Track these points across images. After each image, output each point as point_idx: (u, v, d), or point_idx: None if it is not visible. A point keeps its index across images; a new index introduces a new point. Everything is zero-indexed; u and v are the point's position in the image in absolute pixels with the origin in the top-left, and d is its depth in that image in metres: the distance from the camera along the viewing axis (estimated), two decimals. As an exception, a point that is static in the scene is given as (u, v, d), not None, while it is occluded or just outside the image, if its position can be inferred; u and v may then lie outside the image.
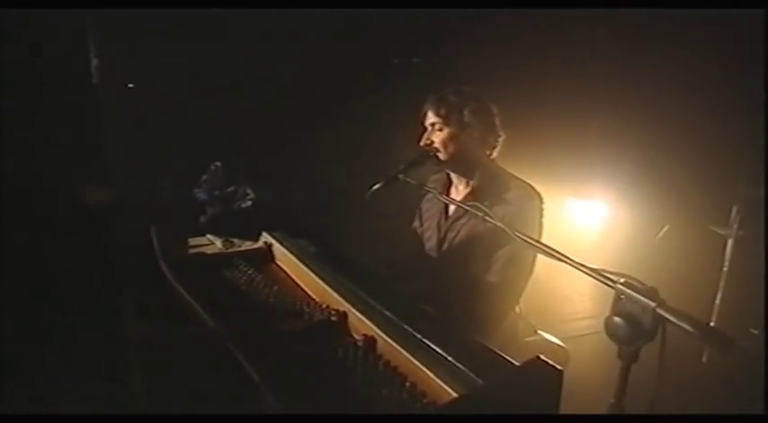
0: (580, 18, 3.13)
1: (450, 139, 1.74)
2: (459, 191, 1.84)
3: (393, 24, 3.25)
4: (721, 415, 1.18)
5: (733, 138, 2.77)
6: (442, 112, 1.74)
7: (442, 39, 3.34)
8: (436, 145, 1.75)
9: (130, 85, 2.98)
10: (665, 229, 3.37)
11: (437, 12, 2.97)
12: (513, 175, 1.77)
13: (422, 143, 1.77)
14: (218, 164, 2.29)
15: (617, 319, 0.84)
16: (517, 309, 1.88)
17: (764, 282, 2.43)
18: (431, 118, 1.77)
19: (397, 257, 2.05)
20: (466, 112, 1.73)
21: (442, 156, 1.75)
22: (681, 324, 0.77)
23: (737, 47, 2.67)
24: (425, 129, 1.79)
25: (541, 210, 1.69)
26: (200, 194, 2.24)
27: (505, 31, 3.21)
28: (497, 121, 1.78)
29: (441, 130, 1.75)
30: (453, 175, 1.85)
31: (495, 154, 1.81)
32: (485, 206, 1.34)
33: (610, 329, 0.85)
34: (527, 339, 1.90)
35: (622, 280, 0.86)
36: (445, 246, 1.81)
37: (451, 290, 1.73)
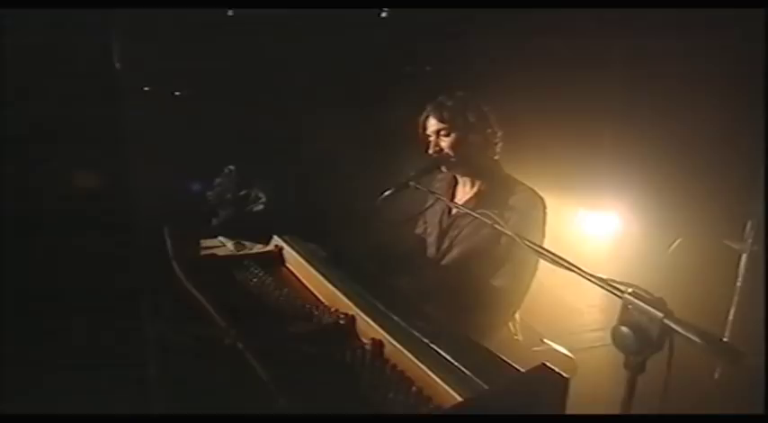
0: (590, 23, 3.12)
1: (459, 142, 1.75)
2: (465, 190, 1.86)
3: (406, 32, 3.28)
4: (721, 415, 1.16)
5: (748, 150, 2.74)
6: (446, 117, 1.75)
7: (453, 47, 3.36)
8: (446, 151, 1.76)
9: (146, 88, 3.04)
10: (678, 242, 3.33)
11: (448, 16, 2.99)
12: (519, 181, 1.78)
13: (430, 152, 1.78)
14: (232, 167, 2.32)
15: (624, 328, 0.84)
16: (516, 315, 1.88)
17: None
18: (434, 126, 1.78)
19: (392, 255, 2.05)
20: (469, 114, 1.75)
21: (452, 160, 1.76)
22: (688, 335, 0.76)
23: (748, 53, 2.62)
24: (428, 138, 1.80)
25: (545, 215, 1.70)
26: (213, 197, 2.27)
27: (517, 38, 3.22)
28: (492, 118, 1.80)
29: (447, 135, 1.76)
30: (459, 176, 1.86)
31: (498, 150, 1.81)
32: (487, 208, 1.34)
33: (617, 339, 0.85)
34: (534, 349, 1.89)
35: (630, 290, 0.86)
36: (446, 243, 1.81)
37: (450, 287, 1.73)
